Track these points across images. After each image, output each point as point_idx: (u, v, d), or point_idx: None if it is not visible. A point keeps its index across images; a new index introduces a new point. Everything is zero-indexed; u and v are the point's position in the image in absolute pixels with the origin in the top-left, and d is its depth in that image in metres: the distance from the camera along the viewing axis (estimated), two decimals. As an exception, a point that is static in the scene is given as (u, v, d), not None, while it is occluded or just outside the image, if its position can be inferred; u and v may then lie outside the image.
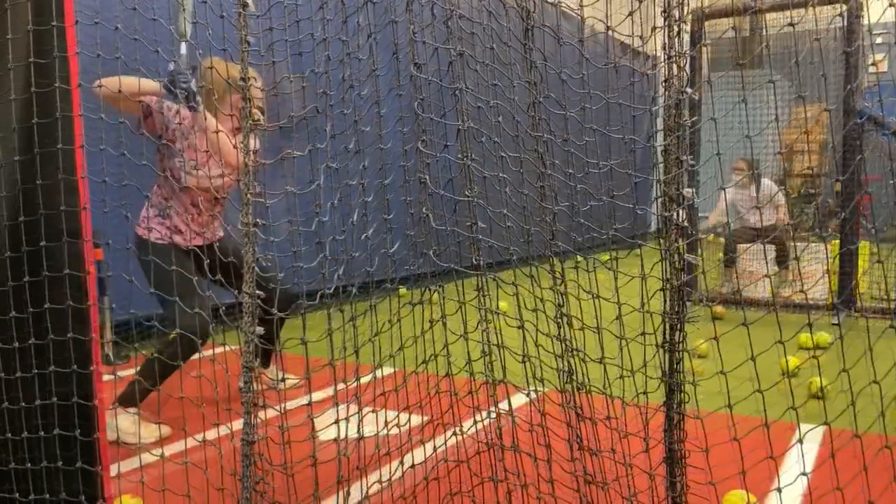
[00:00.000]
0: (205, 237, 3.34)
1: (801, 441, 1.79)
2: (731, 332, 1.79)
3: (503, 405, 2.23)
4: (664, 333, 1.72)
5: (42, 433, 2.15)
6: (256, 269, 1.83)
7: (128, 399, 3.06)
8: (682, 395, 1.74)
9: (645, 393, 1.80)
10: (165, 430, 3.11)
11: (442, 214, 2.04)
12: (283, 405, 1.98)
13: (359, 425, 2.10)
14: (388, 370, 2.21)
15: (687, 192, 1.57)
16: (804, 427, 1.81)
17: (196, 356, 2.89)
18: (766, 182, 7.01)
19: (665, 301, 1.70)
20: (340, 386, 2.01)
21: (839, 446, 1.77)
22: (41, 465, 2.15)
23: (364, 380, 2.14)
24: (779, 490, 1.76)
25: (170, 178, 3.13)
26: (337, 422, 2.03)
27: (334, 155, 2.01)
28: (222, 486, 2.02)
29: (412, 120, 2.06)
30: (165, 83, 2.88)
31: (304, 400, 2.03)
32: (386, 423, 2.25)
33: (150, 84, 2.86)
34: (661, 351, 1.74)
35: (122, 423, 2.98)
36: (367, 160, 2.08)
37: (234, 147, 3.10)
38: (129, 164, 2.15)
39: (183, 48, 2.92)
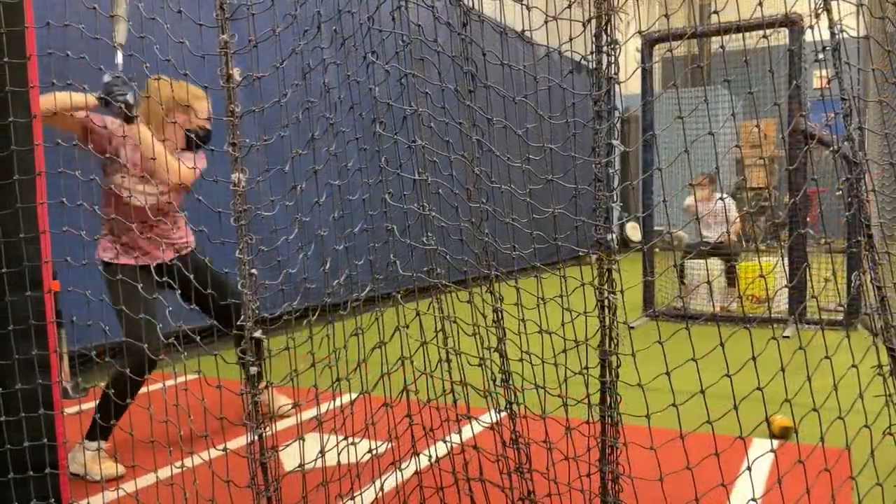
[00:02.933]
0: (153, 256, 3.18)
1: (749, 469, 1.84)
2: (679, 345, 1.86)
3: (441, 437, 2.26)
4: (601, 362, 1.81)
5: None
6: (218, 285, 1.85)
7: (92, 434, 2.97)
8: (617, 420, 1.83)
9: (588, 423, 1.86)
10: (121, 468, 2.94)
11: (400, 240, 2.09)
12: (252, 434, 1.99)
13: (321, 452, 2.12)
14: (347, 396, 2.23)
15: (614, 205, 1.65)
16: (757, 442, 1.87)
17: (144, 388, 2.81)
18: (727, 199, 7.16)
19: (602, 327, 1.78)
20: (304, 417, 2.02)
21: (787, 464, 1.84)
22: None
23: (323, 407, 2.16)
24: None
25: (113, 195, 3.03)
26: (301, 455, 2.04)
27: (296, 182, 2.05)
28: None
29: (372, 142, 2.10)
30: (102, 95, 2.74)
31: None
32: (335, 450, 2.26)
33: (81, 98, 2.73)
34: (588, 376, 1.82)
35: (83, 460, 2.90)
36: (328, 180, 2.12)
37: (179, 163, 2.94)
38: (85, 187, 2.15)
39: (119, 57, 2.82)
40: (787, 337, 5.51)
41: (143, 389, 2.98)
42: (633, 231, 11.97)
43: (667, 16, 1.84)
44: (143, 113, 2.98)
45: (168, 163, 2.86)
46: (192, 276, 2.82)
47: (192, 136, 3.11)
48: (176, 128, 3.05)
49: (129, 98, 2.75)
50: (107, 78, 2.75)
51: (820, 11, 1.76)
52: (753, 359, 1.78)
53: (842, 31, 1.78)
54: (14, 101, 2.17)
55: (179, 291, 3.12)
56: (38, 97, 2.22)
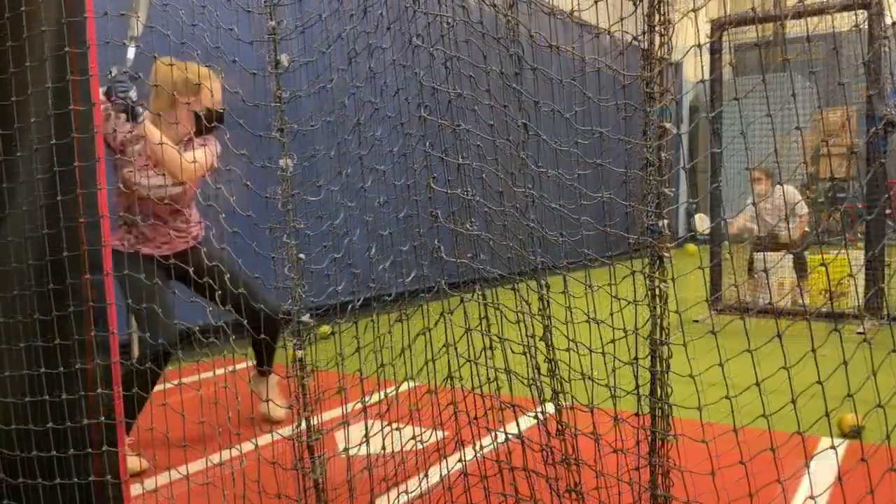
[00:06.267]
0: (172, 245, 3.09)
1: (807, 466, 1.75)
2: (740, 340, 1.78)
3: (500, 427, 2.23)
4: (652, 352, 1.75)
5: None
6: (242, 289, 1.86)
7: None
8: (668, 413, 1.77)
9: (638, 415, 1.81)
10: (144, 463, 2.91)
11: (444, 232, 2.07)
12: (296, 424, 2.01)
13: (366, 437, 2.12)
14: (398, 385, 2.22)
15: (667, 191, 1.58)
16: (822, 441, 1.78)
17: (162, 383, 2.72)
18: (790, 189, 6.85)
19: (652, 316, 1.72)
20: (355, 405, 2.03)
21: (852, 464, 1.74)
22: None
23: (373, 399, 2.15)
24: None
25: (125, 188, 2.92)
26: (346, 436, 2.05)
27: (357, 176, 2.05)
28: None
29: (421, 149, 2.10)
30: (103, 91, 2.60)
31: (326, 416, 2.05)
32: (385, 438, 2.26)
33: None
34: (637, 367, 1.76)
35: None
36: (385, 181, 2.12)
37: (188, 156, 2.86)
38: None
39: (130, 52, 2.64)
40: (862, 333, 5.27)
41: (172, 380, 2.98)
42: (701, 222, 11.64)
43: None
44: (151, 99, 2.88)
45: (170, 160, 2.76)
46: (207, 267, 2.78)
47: (202, 118, 2.89)
48: (187, 112, 2.87)
49: (133, 95, 2.62)
50: (113, 72, 2.64)
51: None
52: (813, 351, 1.69)
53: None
54: (75, 89, 2.23)
55: (193, 285, 2.90)
56: (97, 86, 2.28)
